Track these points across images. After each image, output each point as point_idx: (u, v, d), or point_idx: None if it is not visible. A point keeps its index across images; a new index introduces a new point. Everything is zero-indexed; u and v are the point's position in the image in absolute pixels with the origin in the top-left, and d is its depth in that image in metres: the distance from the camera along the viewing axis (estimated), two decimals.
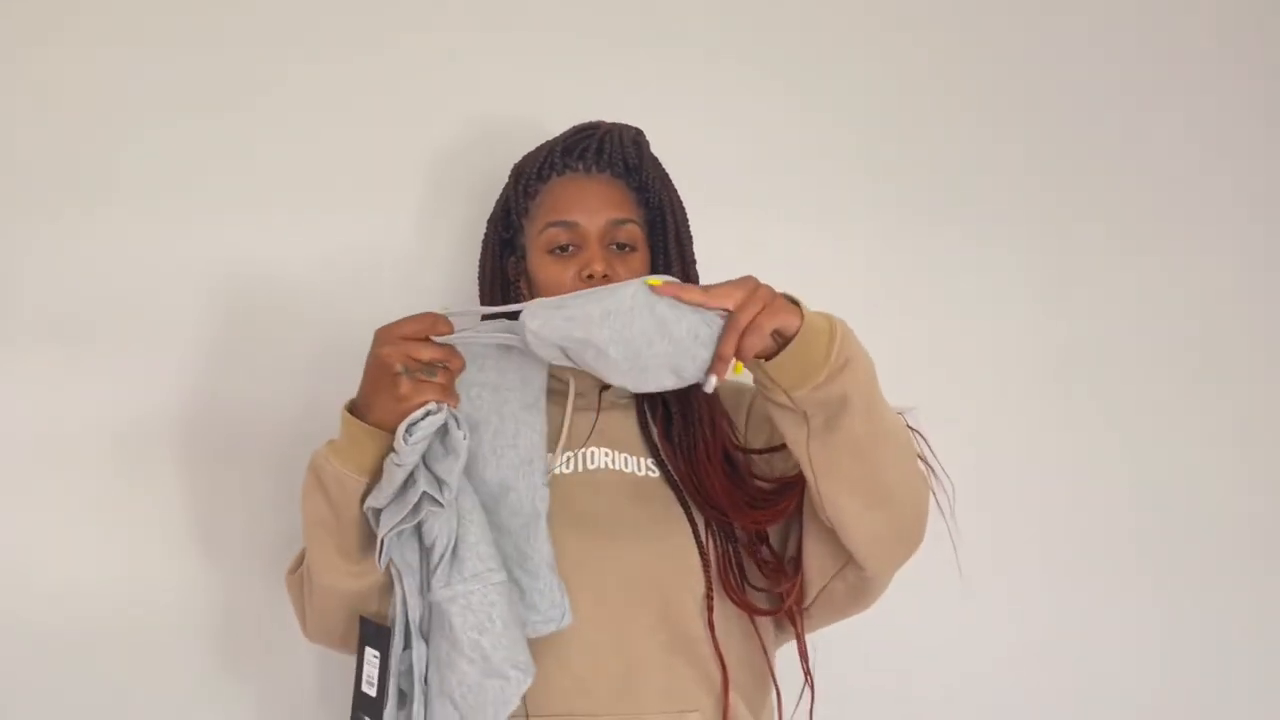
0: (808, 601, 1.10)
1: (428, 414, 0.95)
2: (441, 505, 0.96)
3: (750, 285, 0.93)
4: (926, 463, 1.08)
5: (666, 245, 1.16)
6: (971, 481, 1.52)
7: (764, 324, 0.90)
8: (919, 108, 1.59)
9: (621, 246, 1.14)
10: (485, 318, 1.07)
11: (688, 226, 1.20)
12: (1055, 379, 1.58)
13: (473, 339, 1.00)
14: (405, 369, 0.95)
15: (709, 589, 1.07)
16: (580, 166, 1.16)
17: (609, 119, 1.22)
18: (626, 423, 1.17)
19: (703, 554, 1.08)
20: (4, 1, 1.41)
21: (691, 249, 1.20)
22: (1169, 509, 1.58)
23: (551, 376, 1.16)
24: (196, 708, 1.39)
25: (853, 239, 1.56)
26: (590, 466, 1.12)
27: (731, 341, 0.91)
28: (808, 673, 1.11)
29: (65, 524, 1.37)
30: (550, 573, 1.02)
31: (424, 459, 0.97)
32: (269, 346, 1.41)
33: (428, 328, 0.96)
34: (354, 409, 1.01)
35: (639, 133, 1.21)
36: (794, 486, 1.09)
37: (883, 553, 1.05)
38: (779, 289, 0.95)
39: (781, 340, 0.93)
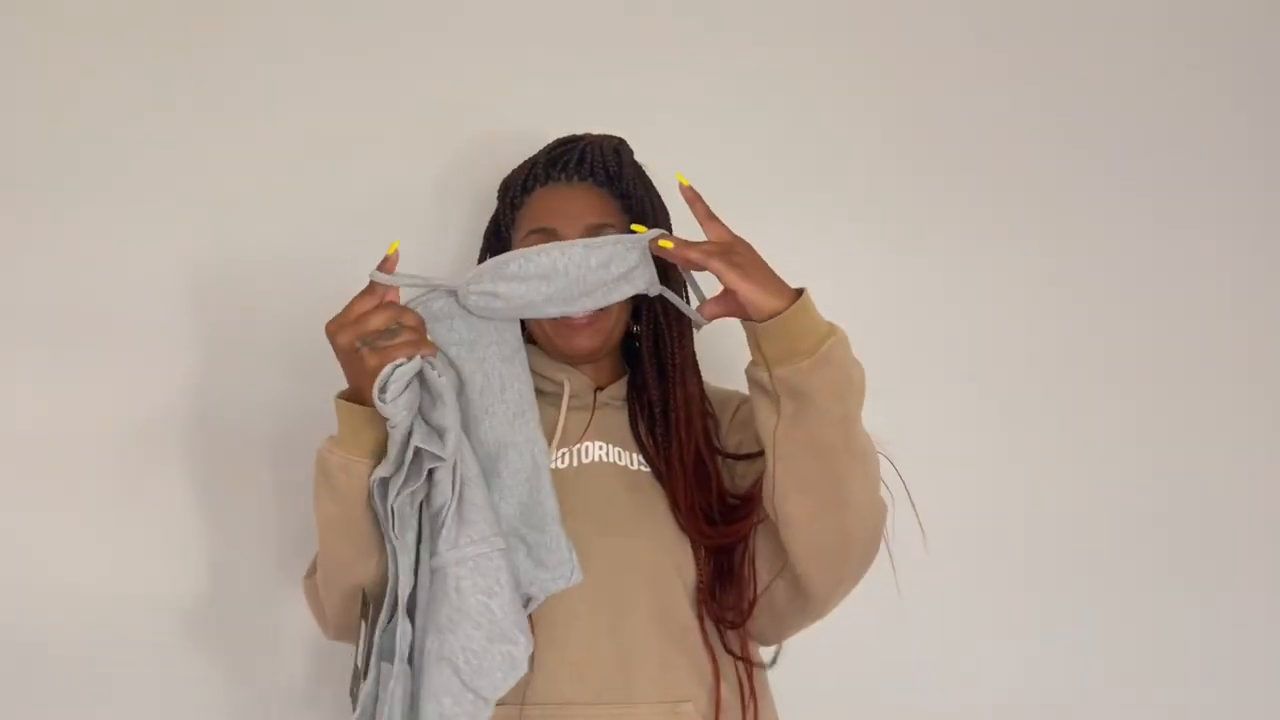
0: (748, 601, 1.12)
1: (396, 368, 0.94)
2: (442, 458, 0.95)
3: (739, 244, 1.00)
4: (903, 495, 1.11)
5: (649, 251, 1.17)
6: (973, 481, 1.54)
7: (718, 265, 0.96)
8: (921, 107, 1.59)
9: None
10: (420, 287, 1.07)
11: (671, 231, 1.19)
12: (1059, 380, 1.58)
13: (413, 282, 1.01)
14: (364, 342, 0.96)
15: (700, 581, 1.09)
16: (561, 177, 1.18)
17: (612, 126, 1.24)
18: (619, 421, 1.19)
19: (695, 547, 1.10)
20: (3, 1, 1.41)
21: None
22: (1183, 510, 1.58)
23: (544, 378, 1.19)
24: (195, 707, 1.39)
25: (852, 240, 1.56)
26: (585, 460, 1.14)
27: (683, 245, 0.99)
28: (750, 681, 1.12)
29: (63, 524, 1.38)
30: (558, 526, 1.02)
31: (422, 416, 0.97)
32: (270, 348, 1.42)
33: (370, 298, 0.98)
34: (346, 399, 1.02)
35: (621, 142, 1.23)
36: (750, 508, 1.10)
37: (824, 564, 1.06)
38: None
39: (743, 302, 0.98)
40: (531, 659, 1.01)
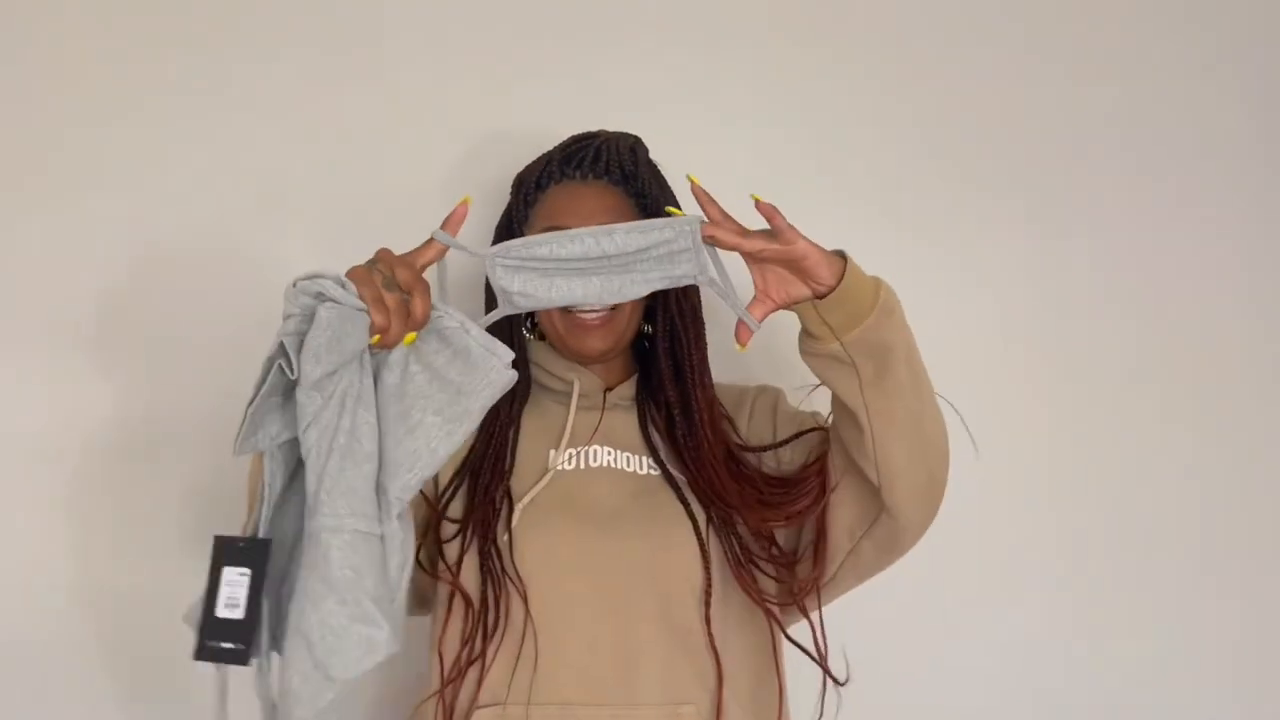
0: (832, 571, 1.13)
1: (342, 285, 0.87)
2: (290, 376, 0.87)
3: (790, 231, 0.98)
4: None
5: None
6: (972, 484, 1.55)
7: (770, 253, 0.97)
8: (922, 107, 1.60)
9: None
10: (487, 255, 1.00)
11: None
12: (1064, 380, 1.59)
13: (462, 319, 0.93)
14: (377, 274, 0.90)
15: (707, 584, 1.09)
16: (576, 174, 1.18)
17: (618, 125, 1.24)
18: (628, 423, 1.19)
19: (703, 549, 1.10)
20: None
21: None
22: (1179, 506, 1.59)
23: (554, 375, 1.19)
24: (193, 707, 1.39)
25: (852, 239, 1.56)
26: (593, 464, 1.15)
27: (738, 231, 0.97)
28: (824, 656, 1.12)
29: (61, 524, 1.37)
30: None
31: (320, 347, 0.88)
32: (262, 350, 1.41)
33: (426, 253, 0.94)
34: None
35: (636, 140, 1.23)
36: (806, 484, 1.10)
37: (922, 502, 1.09)
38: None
39: (796, 271, 0.99)
40: (535, 660, 1.01)
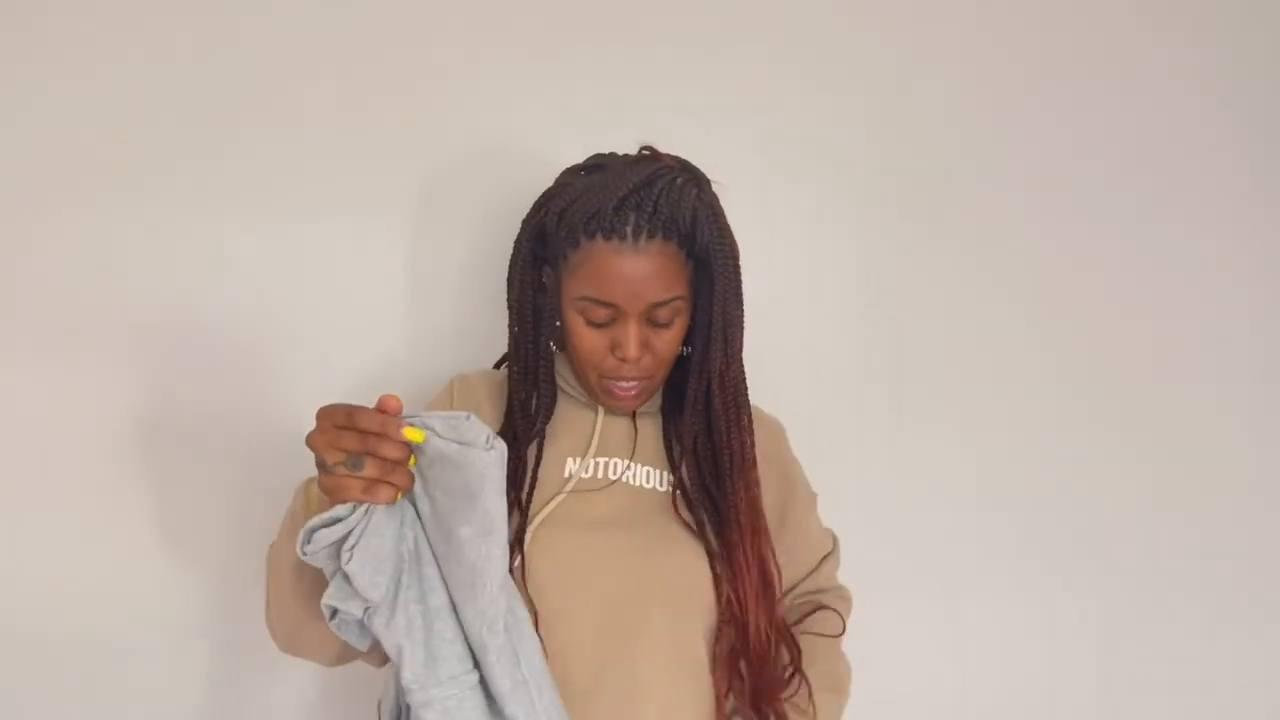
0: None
1: (334, 520, 0.85)
2: (355, 615, 0.89)
3: None
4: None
5: (710, 311, 1.09)
6: (971, 484, 1.55)
7: None
8: (922, 107, 1.59)
9: (661, 324, 1.08)
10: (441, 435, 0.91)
11: (738, 285, 1.09)
12: (1058, 379, 1.58)
13: (424, 424, 0.87)
14: (327, 463, 0.84)
15: (720, 614, 1.07)
16: (629, 234, 1.04)
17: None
18: (650, 433, 1.16)
19: (715, 575, 1.07)
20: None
21: (738, 309, 1.10)
22: (1180, 514, 1.58)
23: (580, 390, 1.16)
24: (190, 707, 1.39)
25: (854, 238, 1.55)
26: (611, 476, 1.11)
27: None
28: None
29: (60, 525, 1.37)
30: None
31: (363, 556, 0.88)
32: (271, 350, 1.41)
33: (370, 418, 0.84)
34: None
35: (701, 185, 1.08)
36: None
37: None
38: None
39: None
40: None
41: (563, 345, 1.15)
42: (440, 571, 0.91)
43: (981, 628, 1.52)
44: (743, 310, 1.09)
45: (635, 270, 1.03)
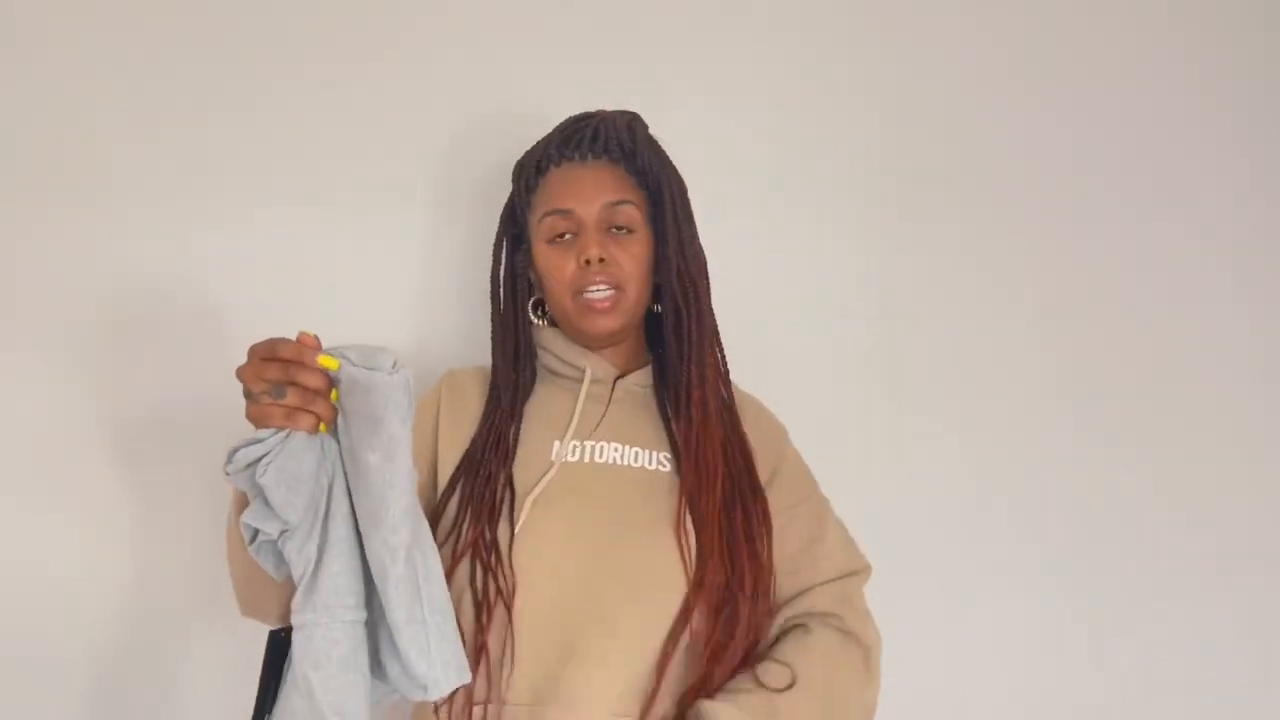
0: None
1: (254, 441, 0.89)
2: (270, 535, 0.92)
3: None
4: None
5: (665, 225, 1.16)
6: (969, 486, 1.55)
7: None
8: (923, 108, 1.59)
9: (619, 229, 1.15)
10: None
11: (687, 204, 1.19)
12: (1058, 378, 1.58)
13: (340, 354, 0.90)
14: (253, 392, 0.89)
15: (687, 602, 1.06)
16: (576, 155, 1.16)
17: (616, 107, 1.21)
18: (639, 414, 1.17)
19: (685, 561, 1.06)
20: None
21: (691, 228, 1.19)
22: (1185, 515, 1.58)
23: (565, 362, 1.18)
24: (190, 708, 1.39)
25: (854, 236, 1.55)
26: (598, 459, 1.11)
27: None
28: None
29: (59, 525, 1.36)
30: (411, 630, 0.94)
31: (277, 485, 0.91)
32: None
33: (287, 346, 0.89)
34: None
35: (634, 116, 1.20)
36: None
37: None
38: None
39: None
40: (512, 660, 1.01)
41: (550, 320, 1.20)
42: (352, 507, 0.93)
43: (981, 628, 1.52)
44: (694, 227, 1.19)
45: (585, 176, 1.15)
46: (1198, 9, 1.68)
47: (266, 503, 0.90)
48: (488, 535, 1.06)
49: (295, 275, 1.42)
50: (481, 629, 1.04)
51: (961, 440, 1.53)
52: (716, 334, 1.18)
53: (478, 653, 1.03)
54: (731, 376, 1.23)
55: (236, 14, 1.47)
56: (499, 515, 1.08)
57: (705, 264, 1.19)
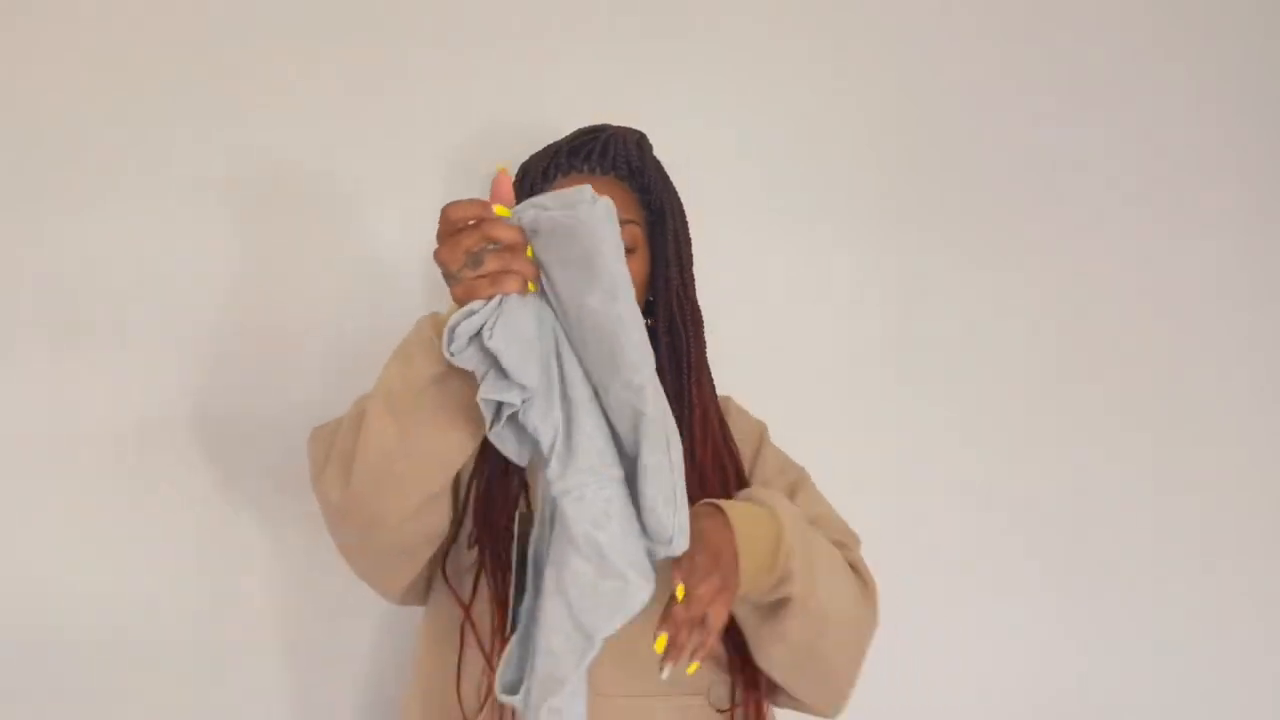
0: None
1: (470, 314, 0.84)
2: (514, 404, 0.87)
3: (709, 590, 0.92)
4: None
5: (665, 247, 1.18)
6: (973, 483, 1.55)
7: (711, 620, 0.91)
8: (924, 108, 1.60)
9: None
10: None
11: (687, 228, 1.22)
12: (1058, 378, 1.58)
13: (531, 205, 0.87)
14: (452, 270, 0.86)
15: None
16: (585, 168, 1.18)
17: (617, 120, 1.23)
18: None
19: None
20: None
21: (689, 251, 1.21)
22: (1177, 516, 1.59)
23: None
24: (188, 710, 1.38)
25: (850, 242, 1.56)
26: None
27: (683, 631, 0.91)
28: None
29: (63, 526, 1.36)
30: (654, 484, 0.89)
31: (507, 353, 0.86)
32: (272, 347, 1.41)
33: (464, 207, 0.86)
34: None
35: (642, 136, 1.23)
36: None
37: (824, 701, 1.11)
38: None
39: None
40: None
41: None
42: (582, 365, 0.89)
43: (982, 628, 1.52)
44: (692, 249, 1.21)
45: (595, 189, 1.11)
46: (1199, 8, 1.69)
47: (501, 373, 0.86)
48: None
49: (295, 278, 1.42)
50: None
51: (962, 440, 1.53)
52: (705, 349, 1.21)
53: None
54: (731, 378, 1.24)
55: (235, 15, 1.47)
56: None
57: (692, 275, 1.21)
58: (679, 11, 1.55)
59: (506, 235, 0.85)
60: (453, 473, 0.97)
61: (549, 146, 1.22)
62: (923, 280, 1.56)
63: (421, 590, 1.14)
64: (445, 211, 0.85)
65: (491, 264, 0.84)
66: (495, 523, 1.08)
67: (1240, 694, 1.57)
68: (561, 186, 1.16)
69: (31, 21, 1.42)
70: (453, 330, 0.84)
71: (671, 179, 1.22)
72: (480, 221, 0.84)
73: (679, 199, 1.21)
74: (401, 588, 1.10)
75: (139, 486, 1.37)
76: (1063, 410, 1.57)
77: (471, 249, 0.84)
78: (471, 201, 0.86)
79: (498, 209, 0.86)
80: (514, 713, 0.96)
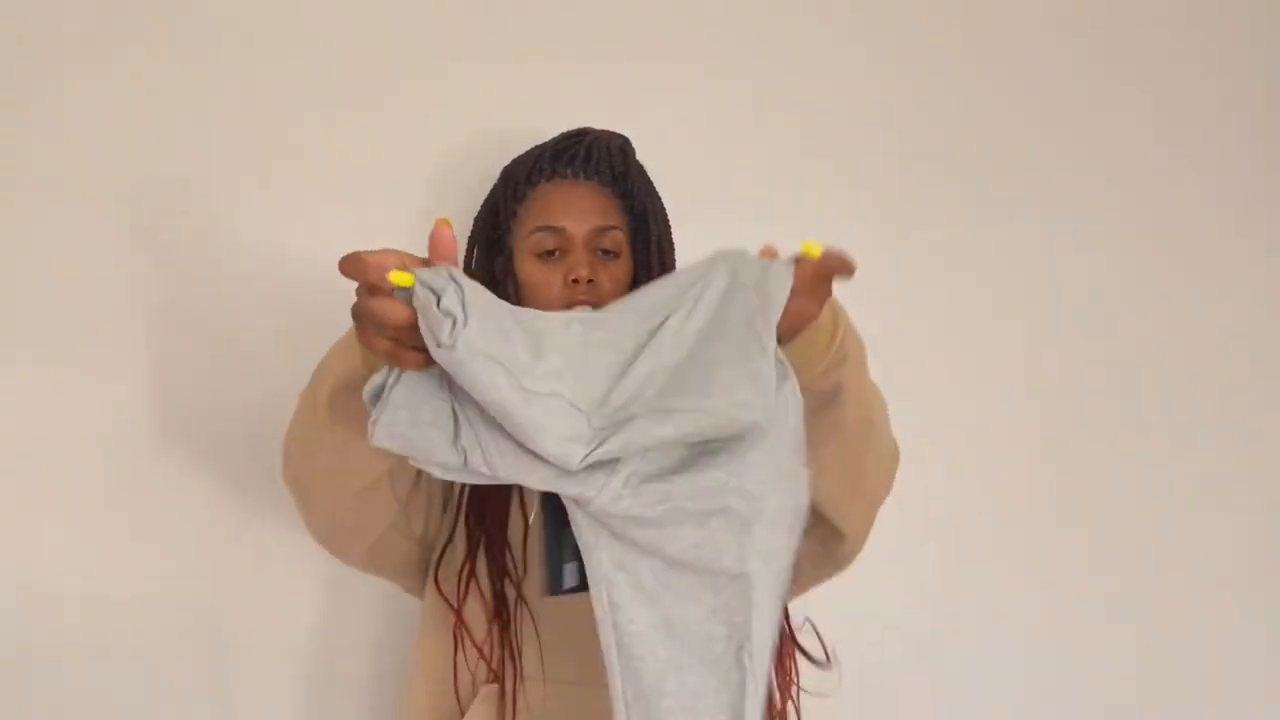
0: None
1: (373, 382, 0.76)
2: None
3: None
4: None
5: (649, 253, 1.19)
6: (973, 482, 1.55)
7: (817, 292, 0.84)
8: (924, 108, 1.60)
9: (606, 253, 1.17)
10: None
11: (669, 234, 1.22)
12: (1058, 378, 1.59)
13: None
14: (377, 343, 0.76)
15: None
16: (568, 172, 1.19)
17: (602, 123, 1.24)
18: None
19: None
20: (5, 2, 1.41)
21: (673, 256, 1.22)
22: (1174, 509, 1.60)
23: None
24: (188, 710, 1.39)
25: (854, 239, 1.54)
26: None
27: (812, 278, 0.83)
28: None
29: (56, 526, 1.37)
30: None
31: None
32: (266, 346, 1.41)
33: (353, 268, 0.74)
34: None
35: (625, 140, 1.23)
36: None
37: (856, 524, 1.06)
38: None
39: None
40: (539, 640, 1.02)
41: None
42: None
43: (981, 629, 1.53)
44: (675, 255, 1.20)
45: (578, 195, 1.17)
46: (1200, 8, 1.69)
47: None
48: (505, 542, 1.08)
49: (289, 276, 1.43)
50: (504, 630, 1.06)
51: (962, 439, 1.54)
52: None
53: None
54: None
55: (237, 16, 1.47)
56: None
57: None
58: (683, 15, 1.56)
59: (392, 318, 0.72)
60: (380, 468, 0.96)
61: (532, 150, 1.22)
62: (915, 284, 1.56)
63: (418, 587, 1.16)
64: (347, 259, 0.74)
65: (380, 345, 0.74)
66: (489, 521, 1.10)
67: (1241, 694, 1.58)
68: (544, 192, 1.18)
69: (26, 22, 1.43)
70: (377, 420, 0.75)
71: (658, 182, 1.23)
72: (370, 292, 0.73)
73: (662, 203, 1.22)
74: (359, 557, 1.10)
75: (139, 487, 1.37)
76: (1063, 410, 1.58)
77: (357, 314, 0.75)
78: (357, 260, 0.73)
79: (393, 276, 0.72)
80: (513, 703, 1.02)
